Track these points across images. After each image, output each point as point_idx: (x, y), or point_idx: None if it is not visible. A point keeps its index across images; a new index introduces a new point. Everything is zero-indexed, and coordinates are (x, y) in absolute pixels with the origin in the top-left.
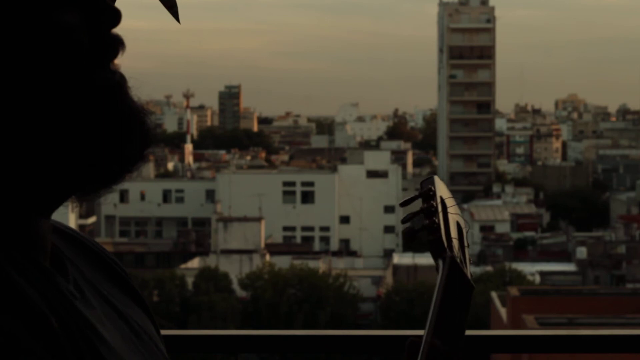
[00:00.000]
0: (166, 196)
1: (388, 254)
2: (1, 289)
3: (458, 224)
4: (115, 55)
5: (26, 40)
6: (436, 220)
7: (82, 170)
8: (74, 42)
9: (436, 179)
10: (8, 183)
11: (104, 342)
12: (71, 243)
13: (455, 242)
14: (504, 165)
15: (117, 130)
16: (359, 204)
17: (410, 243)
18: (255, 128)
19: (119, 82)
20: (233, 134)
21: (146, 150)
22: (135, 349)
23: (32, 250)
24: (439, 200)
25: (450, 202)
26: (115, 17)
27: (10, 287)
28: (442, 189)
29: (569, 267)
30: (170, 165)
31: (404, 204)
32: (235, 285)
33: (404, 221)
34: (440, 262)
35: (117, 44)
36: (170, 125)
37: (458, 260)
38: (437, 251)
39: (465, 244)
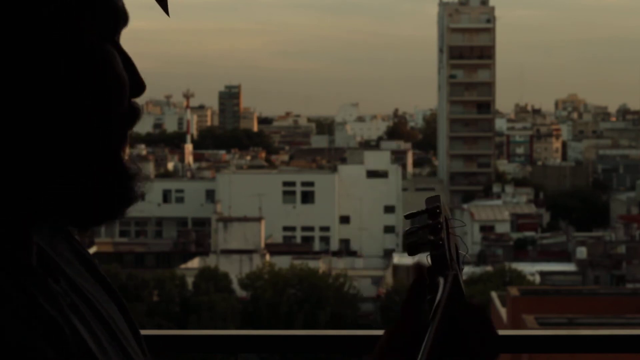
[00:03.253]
0: (166, 196)
1: (388, 254)
2: (15, 299)
3: (456, 247)
4: (133, 123)
5: (73, 67)
6: (442, 237)
7: (69, 205)
8: (117, 77)
9: (441, 198)
10: (12, 198)
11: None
12: (55, 238)
13: (454, 263)
14: (504, 165)
15: (113, 185)
16: (359, 204)
17: (413, 255)
18: (255, 128)
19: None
20: (233, 134)
21: (127, 210)
22: (112, 347)
23: (21, 252)
24: (444, 219)
25: (452, 223)
26: (140, 88)
27: (22, 296)
28: (446, 209)
29: (569, 267)
30: (170, 165)
31: (409, 216)
32: (235, 285)
33: (408, 233)
34: (441, 279)
35: (138, 112)
36: (170, 125)
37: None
38: (439, 267)
39: (461, 266)
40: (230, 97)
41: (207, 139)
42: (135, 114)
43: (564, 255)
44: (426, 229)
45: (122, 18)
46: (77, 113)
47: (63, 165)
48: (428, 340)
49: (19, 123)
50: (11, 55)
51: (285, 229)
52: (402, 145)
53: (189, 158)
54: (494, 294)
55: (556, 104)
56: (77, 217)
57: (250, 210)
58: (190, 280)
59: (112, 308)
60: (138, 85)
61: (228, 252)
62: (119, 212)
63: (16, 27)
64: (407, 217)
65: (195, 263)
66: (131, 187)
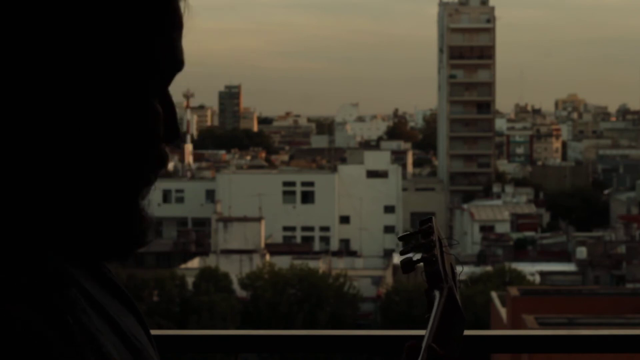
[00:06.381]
0: (166, 196)
1: (388, 254)
2: (20, 286)
3: (451, 265)
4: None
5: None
6: (435, 254)
7: (80, 240)
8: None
9: (434, 219)
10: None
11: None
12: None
13: (449, 278)
14: (504, 165)
15: (127, 227)
16: (359, 204)
17: (408, 272)
18: (255, 128)
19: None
20: (233, 134)
21: (133, 252)
22: (127, 354)
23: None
24: (436, 237)
25: (445, 242)
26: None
27: (29, 285)
28: (438, 229)
29: (569, 267)
30: (170, 165)
31: (403, 238)
32: (235, 285)
33: (402, 253)
34: (437, 293)
35: (165, 160)
36: None
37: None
38: (434, 282)
39: (457, 284)
40: (230, 97)
41: (207, 139)
42: (162, 162)
43: (564, 255)
44: (420, 248)
45: (179, 69)
46: (108, 156)
47: (83, 201)
48: (424, 350)
49: (54, 156)
50: (66, 95)
51: (285, 229)
52: (402, 145)
53: (189, 158)
54: (494, 294)
55: (556, 104)
56: (84, 251)
57: (250, 210)
58: (190, 280)
59: (130, 320)
60: (173, 133)
61: (228, 252)
62: (127, 253)
63: (81, 71)
64: (400, 238)
65: (195, 263)
66: (144, 231)
